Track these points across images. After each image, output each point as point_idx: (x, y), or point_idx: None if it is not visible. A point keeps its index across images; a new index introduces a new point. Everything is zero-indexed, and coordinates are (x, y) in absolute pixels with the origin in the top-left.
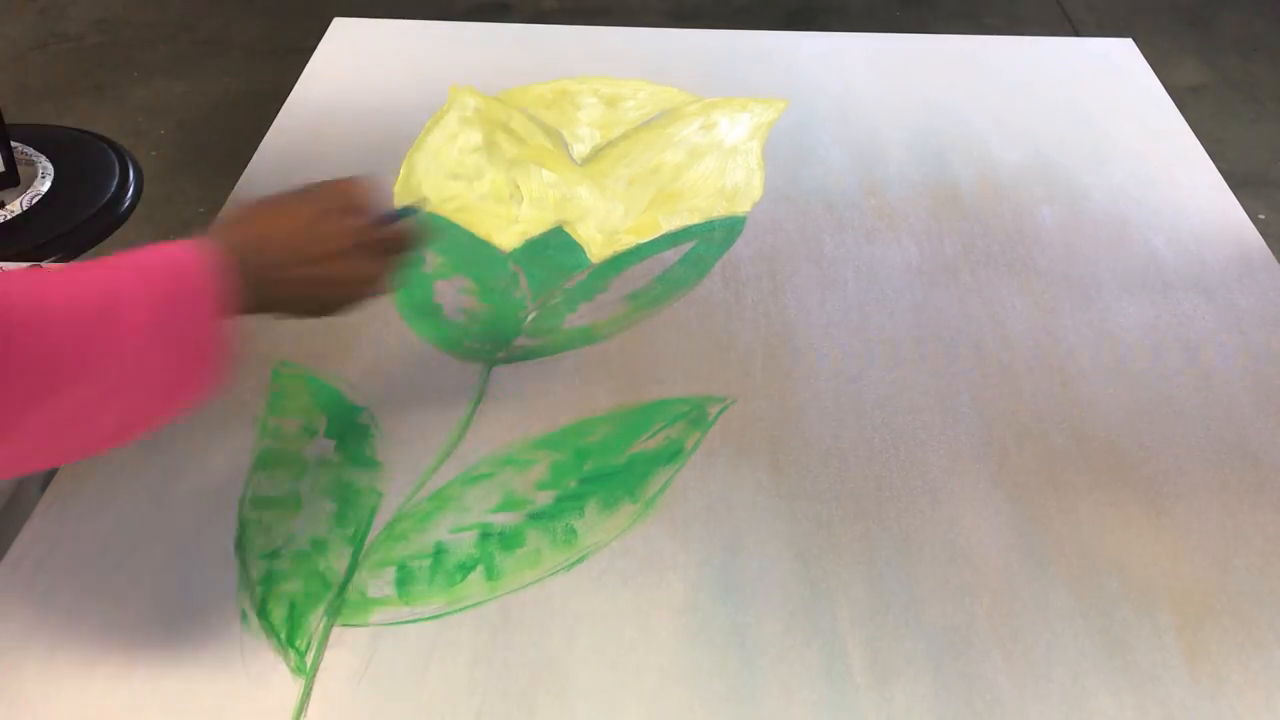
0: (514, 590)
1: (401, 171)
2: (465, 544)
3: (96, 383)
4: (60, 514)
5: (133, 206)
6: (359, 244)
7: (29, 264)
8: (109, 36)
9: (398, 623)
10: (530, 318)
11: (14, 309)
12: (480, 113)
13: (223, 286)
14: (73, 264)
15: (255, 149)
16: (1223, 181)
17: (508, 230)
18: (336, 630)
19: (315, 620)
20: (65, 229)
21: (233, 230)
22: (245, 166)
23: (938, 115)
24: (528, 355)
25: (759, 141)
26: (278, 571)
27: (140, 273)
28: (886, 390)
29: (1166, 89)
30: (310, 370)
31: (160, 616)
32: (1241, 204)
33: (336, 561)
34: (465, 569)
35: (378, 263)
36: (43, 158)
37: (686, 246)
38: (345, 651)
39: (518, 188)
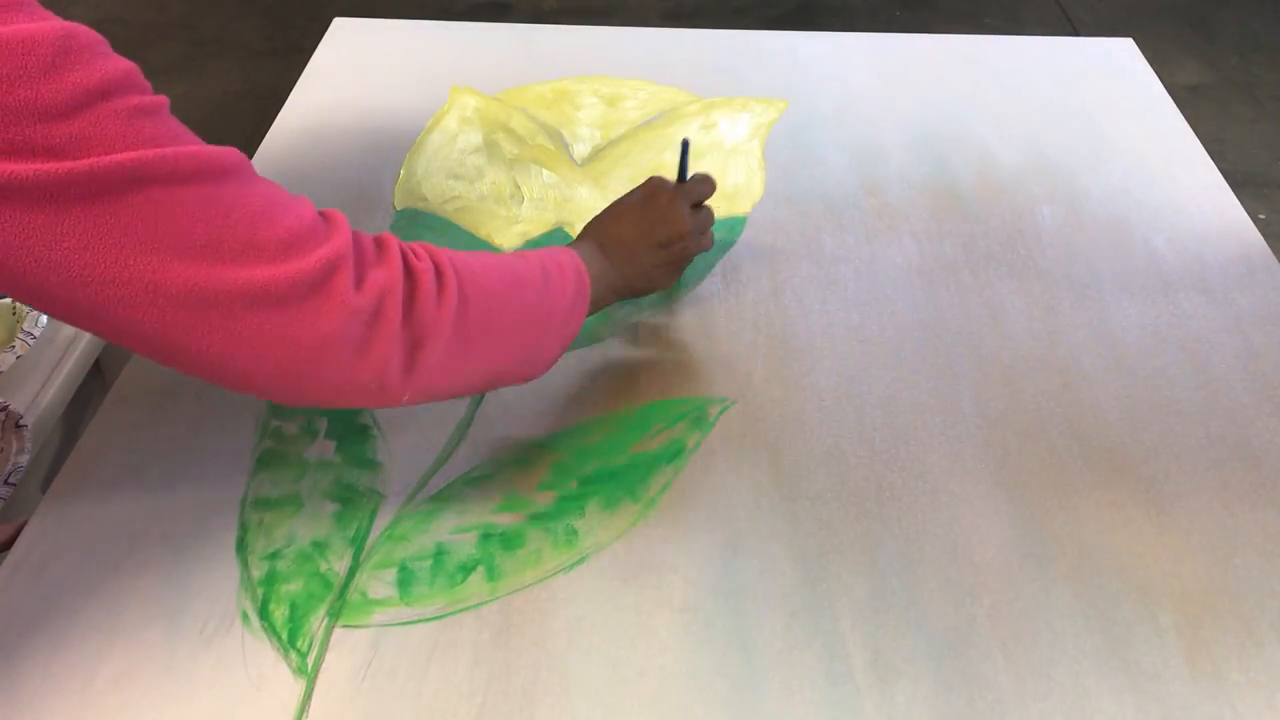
0: (515, 591)
1: (401, 171)
2: (466, 545)
3: (536, 327)
4: (60, 514)
5: None
6: (684, 214)
7: None
8: (109, 36)
9: (399, 623)
10: None
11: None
12: (480, 113)
13: (587, 279)
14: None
15: (255, 149)
16: (1223, 181)
17: (508, 230)
18: (338, 631)
19: (317, 621)
20: None
21: (589, 241)
22: None
23: (938, 115)
24: None
25: (759, 141)
26: (279, 572)
27: (554, 259)
28: (887, 390)
29: (1166, 89)
30: None
31: (161, 617)
32: (1241, 204)
33: (338, 562)
34: (466, 570)
35: (698, 219)
36: None
37: None
38: (347, 652)
39: (518, 188)
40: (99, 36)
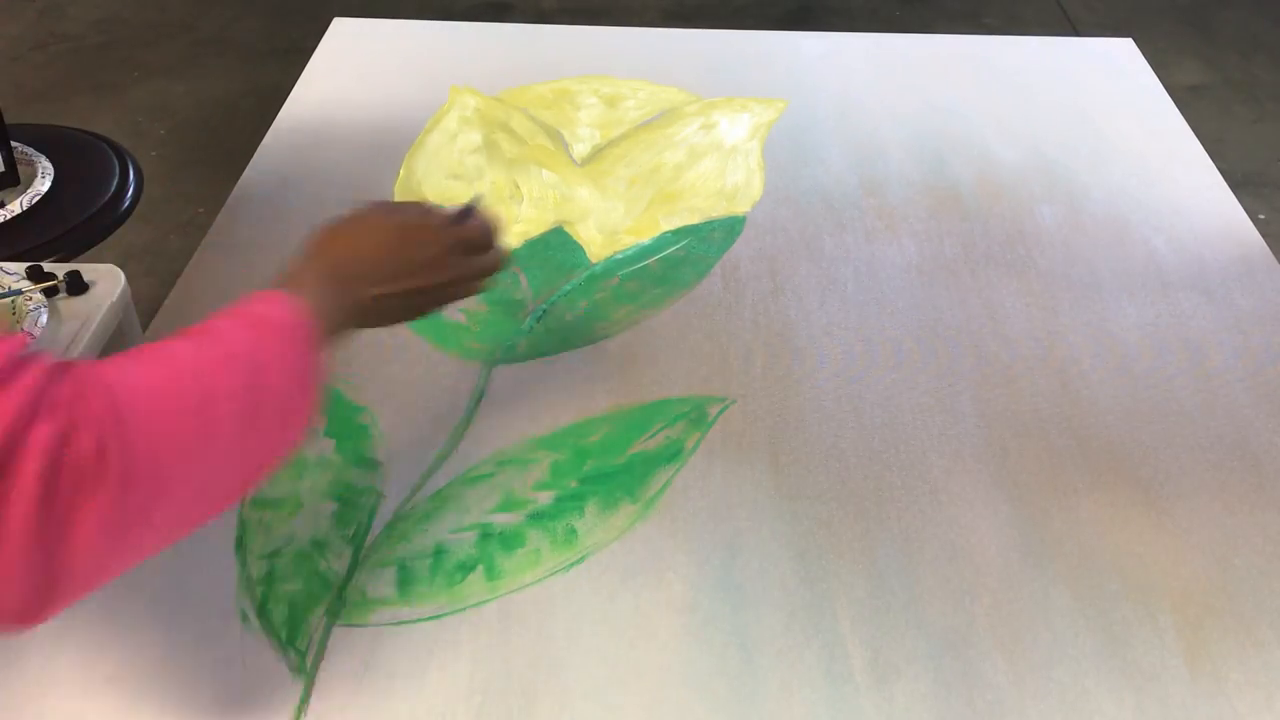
0: (514, 590)
1: (401, 171)
2: (465, 544)
3: (227, 439)
4: None
5: (133, 206)
6: (447, 248)
7: (29, 264)
8: (109, 36)
9: (398, 623)
10: (530, 318)
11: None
12: (480, 113)
13: (314, 328)
14: (173, 338)
15: (255, 149)
16: (1223, 181)
17: (508, 231)
18: (337, 630)
19: (315, 620)
20: (65, 229)
21: (317, 261)
22: (245, 166)
23: (938, 115)
24: (528, 355)
25: (759, 141)
26: (278, 571)
27: (266, 324)
28: (887, 390)
29: (1166, 89)
30: None
31: (160, 617)
32: (1241, 204)
33: (336, 561)
34: (465, 569)
35: (466, 262)
36: (43, 158)
37: (686, 246)
38: (346, 652)
39: (518, 188)
40: None
